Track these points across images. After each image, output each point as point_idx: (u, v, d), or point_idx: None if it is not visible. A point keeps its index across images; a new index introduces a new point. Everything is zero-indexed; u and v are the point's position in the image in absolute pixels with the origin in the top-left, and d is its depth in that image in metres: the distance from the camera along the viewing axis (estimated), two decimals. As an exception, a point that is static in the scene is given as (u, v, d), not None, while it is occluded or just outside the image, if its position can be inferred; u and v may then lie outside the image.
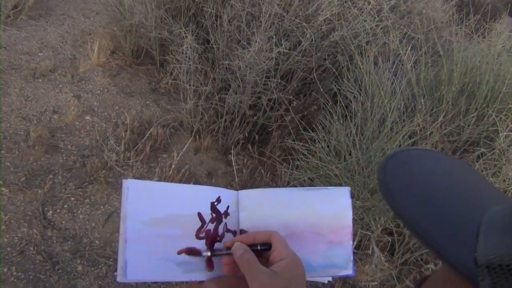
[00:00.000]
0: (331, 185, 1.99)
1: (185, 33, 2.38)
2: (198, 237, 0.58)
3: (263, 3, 2.29)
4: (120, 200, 1.88)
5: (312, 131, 2.20)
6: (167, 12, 2.69)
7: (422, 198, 0.25)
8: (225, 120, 2.41)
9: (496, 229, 0.22)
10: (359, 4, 2.45)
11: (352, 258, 0.62)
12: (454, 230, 0.22)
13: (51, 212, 1.97)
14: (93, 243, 1.91)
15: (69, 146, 2.29)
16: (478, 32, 2.61)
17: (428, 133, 2.02)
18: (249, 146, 2.47)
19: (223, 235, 0.60)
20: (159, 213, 0.56)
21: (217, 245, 0.59)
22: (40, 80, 2.62)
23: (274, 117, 2.44)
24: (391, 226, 2.03)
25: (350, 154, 2.00)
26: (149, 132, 2.42)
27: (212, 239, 0.59)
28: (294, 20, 2.35)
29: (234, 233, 0.62)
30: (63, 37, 3.01)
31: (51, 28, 3.05)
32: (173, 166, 2.29)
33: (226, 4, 2.43)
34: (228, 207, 0.61)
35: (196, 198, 0.59)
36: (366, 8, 2.45)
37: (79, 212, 2.01)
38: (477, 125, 2.10)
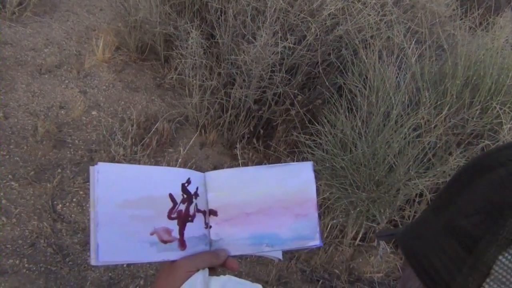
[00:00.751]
0: (337, 177, 2.02)
1: (190, 28, 2.39)
2: (170, 217, 0.59)
3: (268, -2, 2.30)
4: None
5: (318, 125, 2.22)
6: (172, 7, 2.71)
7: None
8: (231, 115, 2.43)
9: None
10: (363, -2, 2.47)
11: (318, 229, 0.64)
12: None
13: (60, 205, 1.99)
14: (102, 236, 1.94)
15: (76, 141, 2.31)
16: (481, 26, 2.62)
17: (433, 126, 2.04)
18: (254, 140, 2.49)
19: (194, 215, 0.62)
20: (131, 195, 0.57)
21: (188, 225, 0.61)
22: (46, 76, 2.63)
23: (279, 111, 2.46)
24: (396, 218, 2.05)
25: (355, 147, 2.01)
26: (155, 127, 2.44)
27: (183, 219, 0.60)
28: (299, 15, 2.37)
29: (204, 213, 0.63)
30: (68, 33, 3.03)
31: (56, 24, 3.06)
32: (179, 160, 2.31)
33: (231, -1, 2.44)
34: (197, 188, 0.63)
35: (167, 180, 0.61)
36: (370, 2, 2.46)
37: (87, 205, 2.03)
38: (481, 118, 2.12)
